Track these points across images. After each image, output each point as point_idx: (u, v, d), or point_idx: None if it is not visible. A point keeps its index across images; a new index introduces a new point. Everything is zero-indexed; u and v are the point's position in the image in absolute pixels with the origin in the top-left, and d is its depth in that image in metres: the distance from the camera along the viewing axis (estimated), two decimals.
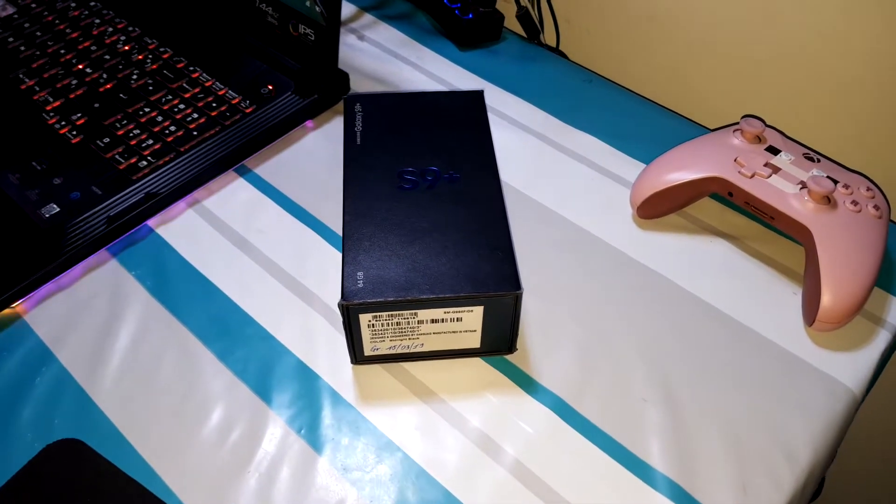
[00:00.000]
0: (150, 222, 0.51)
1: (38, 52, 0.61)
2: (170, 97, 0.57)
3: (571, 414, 0.41)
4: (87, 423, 0.41)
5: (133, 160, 0.52)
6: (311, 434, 0.40)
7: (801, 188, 0.46)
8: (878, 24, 0.53)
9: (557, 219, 0.51)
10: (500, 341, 0.42)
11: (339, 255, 0.49)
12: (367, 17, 0.69)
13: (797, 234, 0.46)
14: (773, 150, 0.49)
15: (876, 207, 0.46)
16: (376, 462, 0.39)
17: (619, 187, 0.53)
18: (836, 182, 0.47)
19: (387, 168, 0.46)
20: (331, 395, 0.42)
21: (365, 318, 0.39)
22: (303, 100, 0.57)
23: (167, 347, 0.44)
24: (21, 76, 0.59)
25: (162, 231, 0.50)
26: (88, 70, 0.59)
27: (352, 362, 0.43)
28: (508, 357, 0.44)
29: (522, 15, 0.68)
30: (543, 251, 0.49)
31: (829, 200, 0.45)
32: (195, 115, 0.55)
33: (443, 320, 0.40)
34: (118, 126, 0.55)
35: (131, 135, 0.54)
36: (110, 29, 0.63)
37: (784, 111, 0.62)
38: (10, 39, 0.62)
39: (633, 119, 0.59)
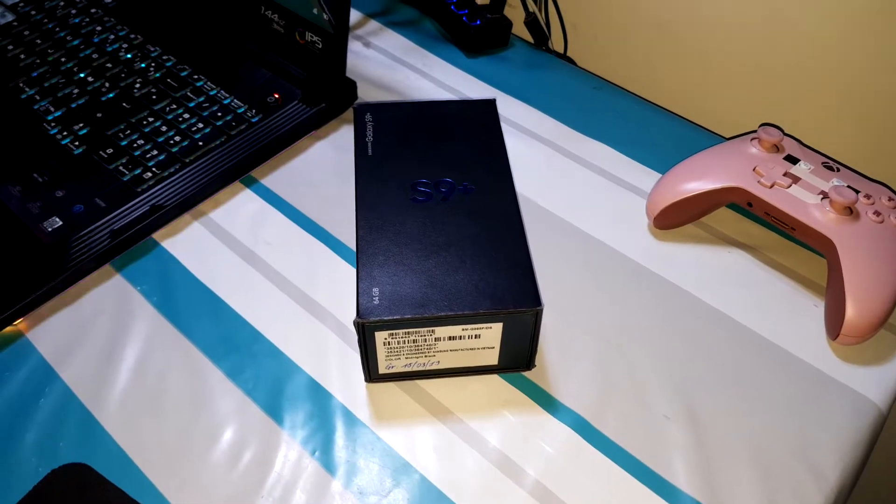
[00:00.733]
0: (156, 236, 0.49)
1: (38, 61, 0.60)
2: (174, 106, 0.55)
3: (592, 432, 0.40)
4: (94, 447, 0.39)
5: (137, 171, 0.51)
6: (325, 456, 0.39)
7: (822, 198, 0.45)
8: (893, 32, 0.52)
9: (570, 229, 0.50)
10: (518, 358, 0.41)
11: (350, 267, 0.48)
12: (373, 24, 0.67)
13: (819, 245, 0.45)
14: (792, 160, 0.48)
15: None
16: (393, 485, 0.38)
17: (634, 197, 0.52)
18: (857, 192, 0.46)
19: (400, 180, 0.44)
20: (344, 414, 0.41)
21: (381, 336, 0.38)
22: (310, 109, 0.56)
23: (174, 366, 0.43)
24: (21, 85, 0.58)
25: (167, 244, 0.49)
26: (90, 79, 0.58)
27: (365, 380, 0.42)
28: (526, 374, 0.43)
29: (531, 21, 0.67)
30: (557, 262, 0.48)
31: (851, 211, 0.44)
32: (200, 125, 0.54)
33: (460, 337, 0.39)
34: (121, 136, 0.53)
35: (135, 145, 0.53)
36: (112, 36, 0.62)
37: (797, 118, 0.61)
38: (10, 47, 0.61)
39: (645, 127, 0.58)
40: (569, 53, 0.72)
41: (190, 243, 0.49)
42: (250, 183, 0.53)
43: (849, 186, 0.46)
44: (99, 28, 0.63)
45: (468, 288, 0.39)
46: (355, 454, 0.39)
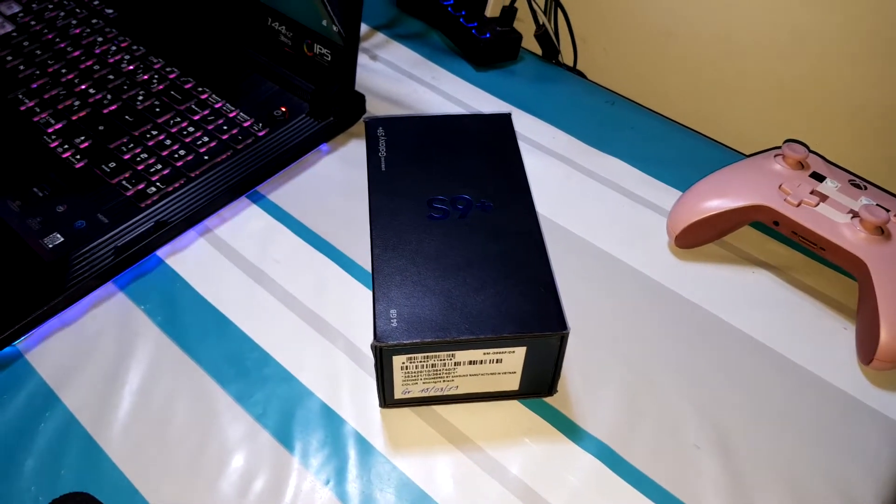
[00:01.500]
0: (160, 252, 0.47)
1: (38, 72, 0.58)
2: (178, 119, 0.54)
3: (618, 461, 0.38)
4: (96, 475, 0.37)
5: (141, 186, 0.49)
6: (339, 486, 0.37)
7: (851, 217, 0.44)
8: None
9: (589, 248, 0.49)
10: (540, 383, 0.40)
11: (361, 286, 0.46)
12: (380, 36, 0.66)
13: (849, 265, 0.44)
14: (818, 177, 0.46)
15: None
16: None
17: (654, 214, 0.51)
18: (887, 210, 0.44)
19: (415, 196, 0.43)
20: (358, 441, 0.39)
21: (399, 361, 0.37)
22: (318, 122, 0.54)
23: (180, 389, 0.41)
24: (20, 97, 0.56)
25: (172, 262, 0.47)
26: (92, 90, 0.56)
27: (380, 405, 0.40)
28: (548, 399, 0.41)
29: (541, 34, 0.66)
30: (575, 282, 0.46)
31: (882, 231, 0.43)
32: (205, 139, 0.53)
33: (481, 362, 0.37)
34: (124, 150, 0.52)
35: (138, 159, 0.51)
36: (114, 47, 0.60)
37: (816, 135, 0.60)
38: (9, 58, 0.59)
39: (662, 142, 0.56)
40: (578, 67, 0.71)
41: (195, 261, 0.47)
42: (257, 198, 0.51)
43: (877, 205, 0.45)
44: (100, 39, 0.61)
45: (490, 310, 0.37)
46: (370, 484, 0.37)
